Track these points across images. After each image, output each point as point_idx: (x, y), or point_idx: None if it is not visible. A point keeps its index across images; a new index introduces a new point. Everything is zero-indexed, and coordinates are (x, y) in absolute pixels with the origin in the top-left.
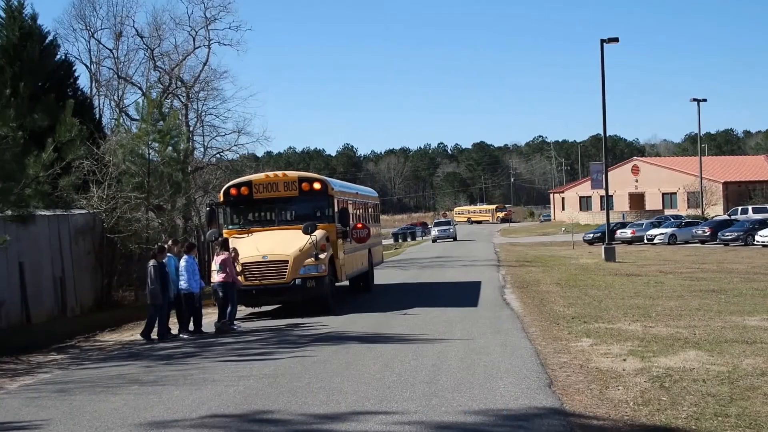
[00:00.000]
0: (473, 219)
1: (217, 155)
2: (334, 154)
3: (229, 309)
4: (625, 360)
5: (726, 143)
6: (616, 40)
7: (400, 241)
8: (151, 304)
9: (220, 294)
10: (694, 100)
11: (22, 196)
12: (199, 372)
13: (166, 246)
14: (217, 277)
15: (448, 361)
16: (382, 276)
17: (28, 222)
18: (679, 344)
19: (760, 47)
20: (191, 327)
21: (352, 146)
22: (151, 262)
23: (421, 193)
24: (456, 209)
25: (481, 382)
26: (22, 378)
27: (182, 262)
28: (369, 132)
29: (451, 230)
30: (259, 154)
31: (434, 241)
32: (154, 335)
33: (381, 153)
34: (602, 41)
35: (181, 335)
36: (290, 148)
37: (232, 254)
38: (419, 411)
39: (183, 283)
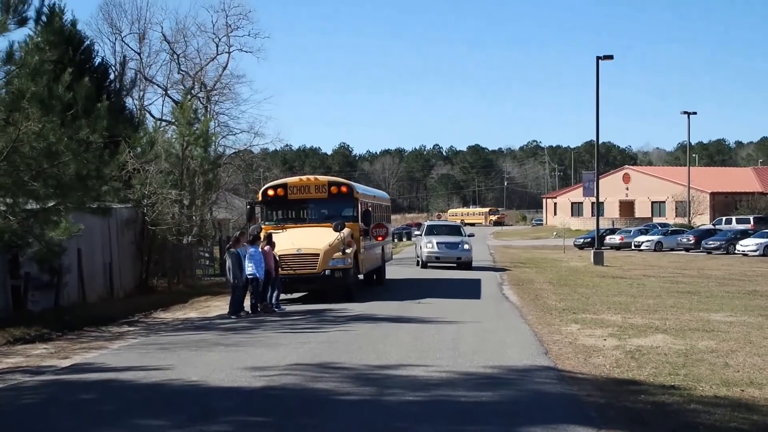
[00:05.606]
0: (466, 221)
1: (231, 154)
2: (330, 152)
3: (274, 293)
4: (605, 340)
5: (717, 153)
6: (610, 57)
7: (395, 240)
8: (233, 285)
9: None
10: (685, 113)
11: (100, 192)
12: (267, 339)
13: (240, 237)
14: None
15: (464, 335)
16: (388, 272)
17: (107, 214)
18: (651, 330)
19: (752, 59)
20: (247, 307)
21: (348, 145)
22: (231, 251)
23: (414, 194)
24: (449, 211)
25: (493, 350)
26: (116, 341)
27: (250, 251)
28: (365, 132)
29: (466, 247)
30: (256, 151)
31: (424, 266)
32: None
33: (376, 153)
34: (598, 58)
35: (251, 312)
36: (287, 145)
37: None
38: (450, 365)
39: (250, 270)
